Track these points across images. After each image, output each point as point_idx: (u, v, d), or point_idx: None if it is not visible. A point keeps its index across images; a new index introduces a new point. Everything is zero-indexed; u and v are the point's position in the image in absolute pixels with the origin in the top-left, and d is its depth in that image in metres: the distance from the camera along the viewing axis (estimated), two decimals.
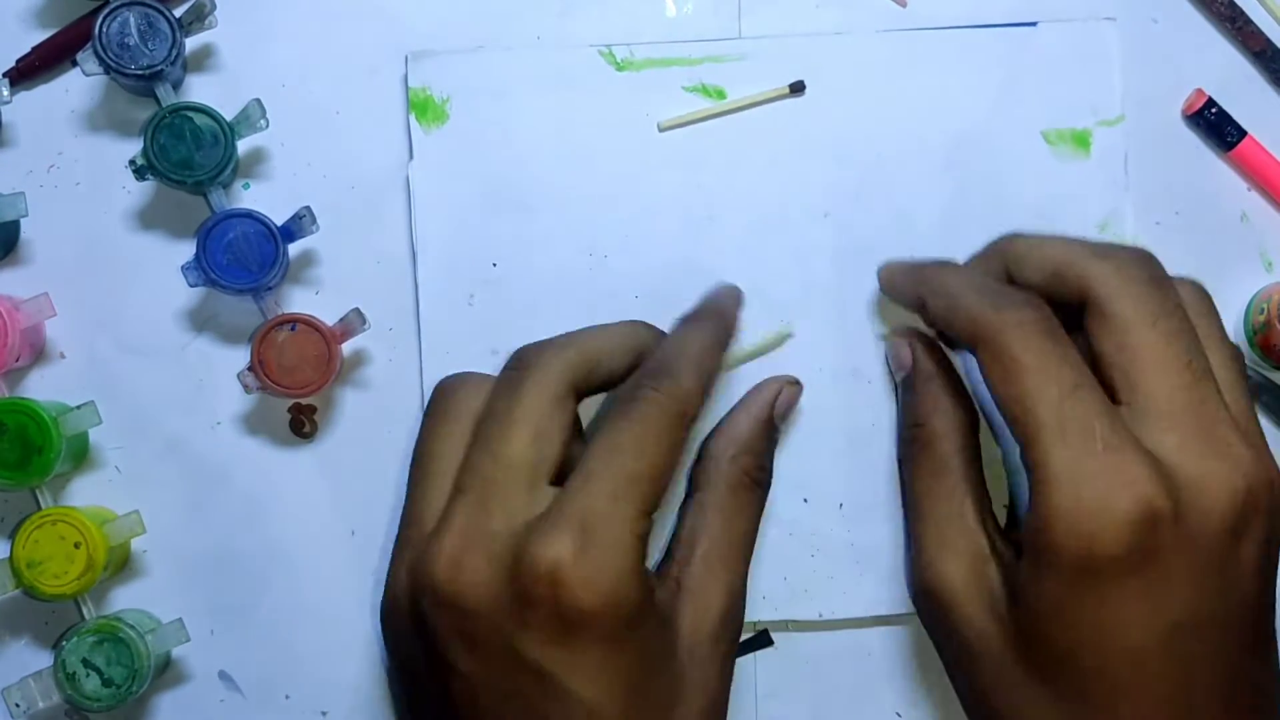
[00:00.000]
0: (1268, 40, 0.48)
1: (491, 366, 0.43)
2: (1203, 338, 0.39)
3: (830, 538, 0.46)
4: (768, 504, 0.46)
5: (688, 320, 0.44)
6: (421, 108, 0.47)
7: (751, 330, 0.47)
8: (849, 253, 0.47)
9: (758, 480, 0.44)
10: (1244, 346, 0.47)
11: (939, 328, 0.43)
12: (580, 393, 0.41)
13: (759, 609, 0.46)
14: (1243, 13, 0.48)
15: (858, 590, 0.46)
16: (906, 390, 0.45)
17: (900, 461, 0.46)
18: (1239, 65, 0.49)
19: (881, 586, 0.46)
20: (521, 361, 0.41)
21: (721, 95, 0.47)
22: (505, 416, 0.40)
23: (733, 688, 0.46)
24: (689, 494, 0.44)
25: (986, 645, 0.40)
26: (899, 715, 0.47)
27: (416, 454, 0.42)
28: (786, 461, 0.46)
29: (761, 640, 0.47)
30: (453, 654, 0.38)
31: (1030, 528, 0.38)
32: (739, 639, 0.43)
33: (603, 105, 0.47)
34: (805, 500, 0.46)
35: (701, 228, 0.47)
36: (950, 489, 0.42)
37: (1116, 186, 0.47)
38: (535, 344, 0.42)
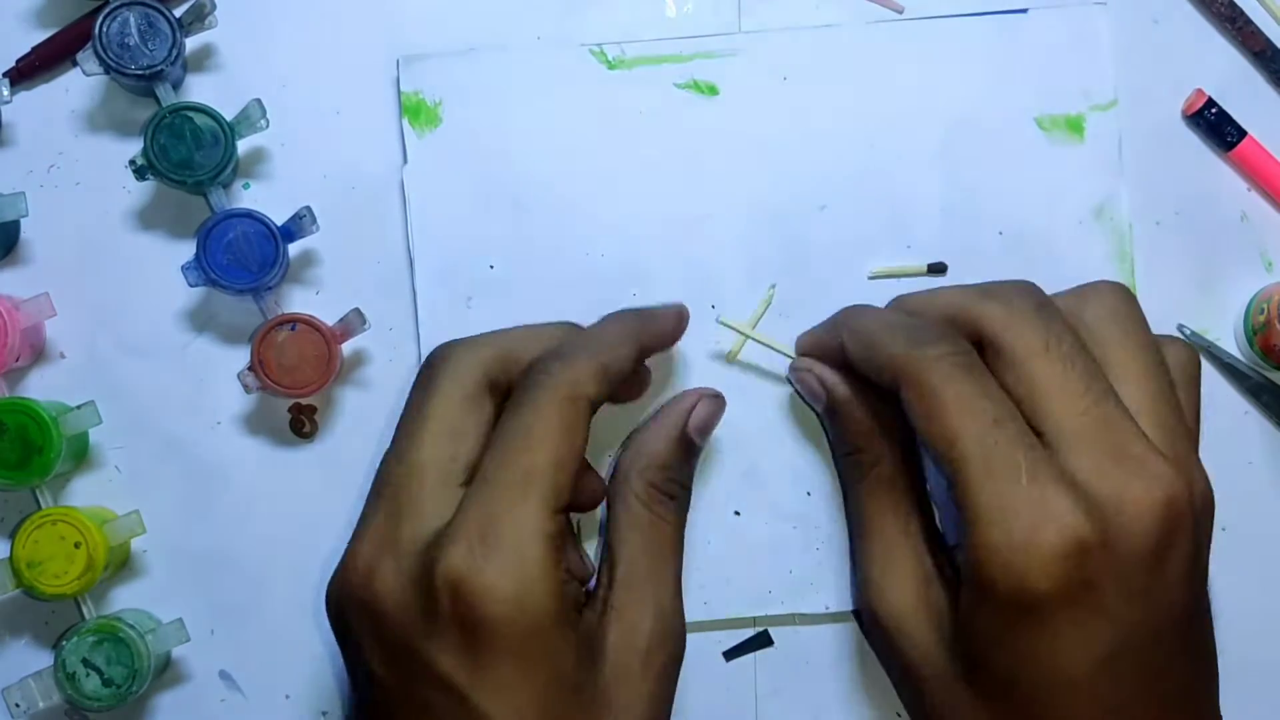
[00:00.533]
0: (1268, 40, 0.48)
1: None
2: (1117, 346, 0.39)
3: (835, 531, 0.46)
4: (772, 498, 0.46)
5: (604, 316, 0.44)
6: (414, 111, 0.47)
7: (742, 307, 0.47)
8: (846, 245, 0.47)
9: (669, 493, 0.43)
10: (1244, 346, 0.47)
11: (860, 370, 0.42)
12: (499, 390, 0.41)
13: (765, 604, 0.46)
14: (1243, 13, 0.48)
15: None
16: (831, 418, 0.45)
17: (843, 485, 0.46)
18: (1239, 65, 0.49)
19: None
20: (432, 360, 0.41)
21: (714, 91, 0.47)
22: (414, 418, 0.40)
23: (733, 688, 0.47)
24: (607, 509, 0.44)
25: (932, 667, 0.40)
26: (899, 715, 0.47)
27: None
28: (788, 456, 0.46)
29: (761, 640, 0.47)
30: (371, 660, 0.38)
31: (964, 562, 0.38)
32: (677, 659, 0.42)
33: (596, 104, 0.47)
34: (809, 494, 0.46)
35: (698, 224, 0.47)
36: (893, 509, 0.42)
37: (1111, 171, 0.47)
38: (449, 342, 0.42)
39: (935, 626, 0.40)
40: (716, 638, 0.47)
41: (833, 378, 0.43)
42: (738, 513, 0.46)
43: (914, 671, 0.41)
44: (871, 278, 0.47)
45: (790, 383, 0.46)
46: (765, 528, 0.46)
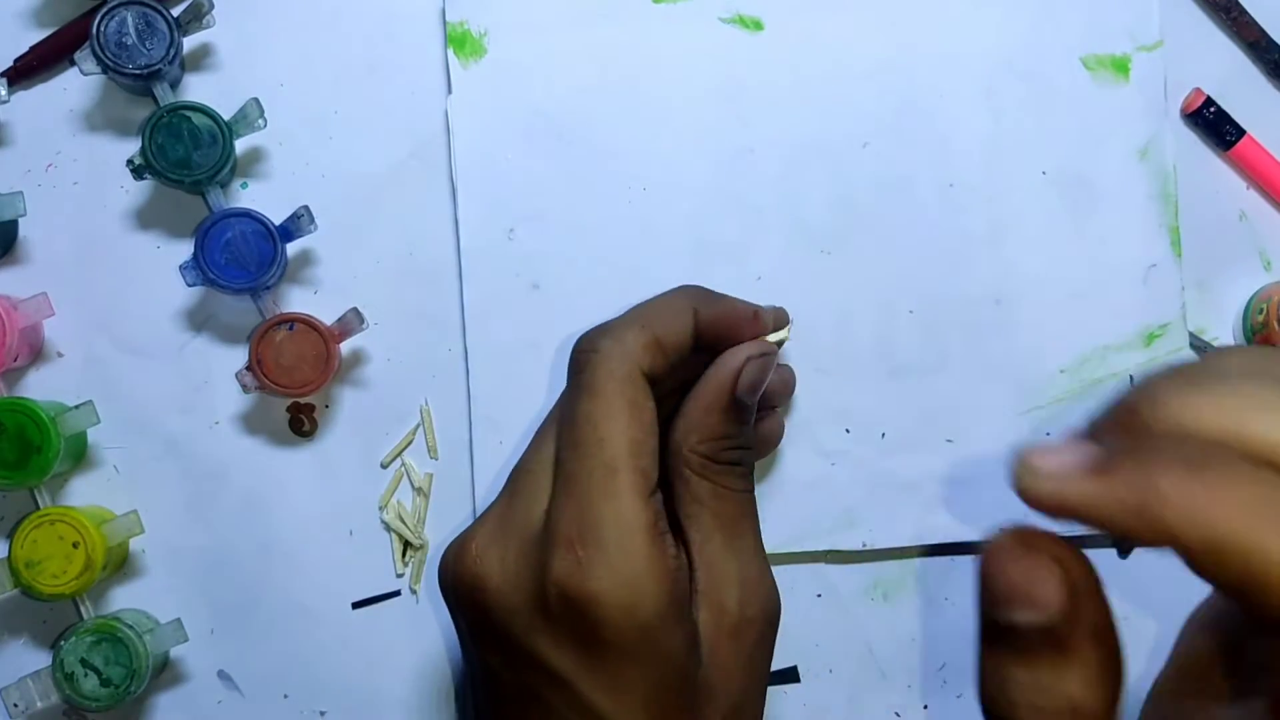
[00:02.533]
0: (1262, 31, 0.48)
1: (532, 301, 0.45)
2: None
3: (872, 467, 0.46)
4: (811, 435, 0.46)
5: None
6: (459, 42, 0.47)
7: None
8: (889, 182, 0.47)
9: (730, 460, 0.40)
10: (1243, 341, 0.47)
11: (1187, 558, 0.25)
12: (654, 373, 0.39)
13: (803, 539, 0.46)
14: (1237, 3, 0.48)
15: (901, 519, 0.46)
16: (1027, 648, 0.27)
17: None
18: (1237, 64, 0.49)
19: (925, 515, 0.46)
20: (580, 356, 0.39)
21: (759, 26, 0.47)
22: (549, 417, 0.40)
23: None
24: (673, 482, 0.41)
25: None
26: (898, 715, 0.47)
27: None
28: (826, 392, 0.47)
29: (788, 676, 0.47)
30: (480, 648, 0.38)
31: None
32: (770, 624, 0.39)
33: (640, 38, 0.47)
34: (847, 430, 0.47)
35: (740, 159, 0.47)
36: None
37: (1157, 112, 0.47)
38: (594, 333, 0.40)
39: None
40: None
41: (1081, 583, 0.28)
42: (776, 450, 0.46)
43: None
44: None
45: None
46: (804, 465, 0.46)
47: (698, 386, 0.40)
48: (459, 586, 0.38)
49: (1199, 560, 0.24)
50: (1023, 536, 0.28)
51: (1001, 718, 0.27)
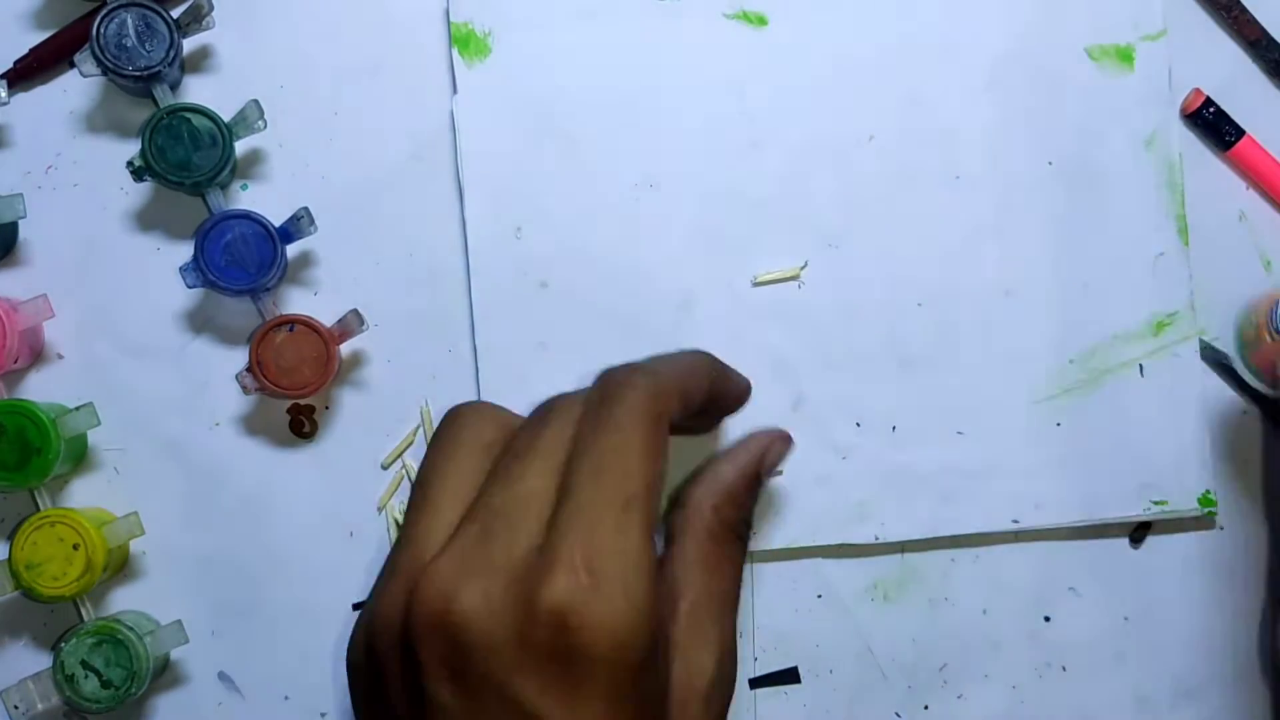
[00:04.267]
0: (1263, 30, 0.48)
1: (538, 300, 0.45)
2: None
3: (883, 461, 0.46)
4: (821, 429, 0.46)
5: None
6: (464, 42, 0.47)
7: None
8: (895, 175, 0.47)
9: (740, 535, 0.41)
10: (1237, 361, 0.47)
11: None
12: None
13: (815, 534, 0.46)
14: (1238, 2, 0.48)
15: (913, 512, 0.46)
16: None
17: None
18: (1237, 64, 0.49)
19: (937, 507, 0.46)
20: (552, 404, 0.39)
21: (763, 21, 0.47)
22: (525, 451, 0.38)
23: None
24: (666, 537, 0.41)
25: None
26: (898, 715, 0.47)
27: (420, 478, 0.39)
28: (836, 386, 0.47)
29: (788, 676, 0.47)
30: (436, 688, 0.35)
31: None
32: (728, 704, 0.40)
33: (645, 34, 0.47)
34: (858, 424, 0.47)
35: (746, 154, 0.47)
36: None
37: (1161, 100, 0.47)
38: (628, 366, 0.39)
39: None
40: (743, 659, 0.47)
41: None
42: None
43: None
44: (756, 284, 0.47)
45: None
46: (814, 459, 0.46)
47: (730, 453, 0.42)
48: (422, 623, 0.35)
49: None
50: None
51: None
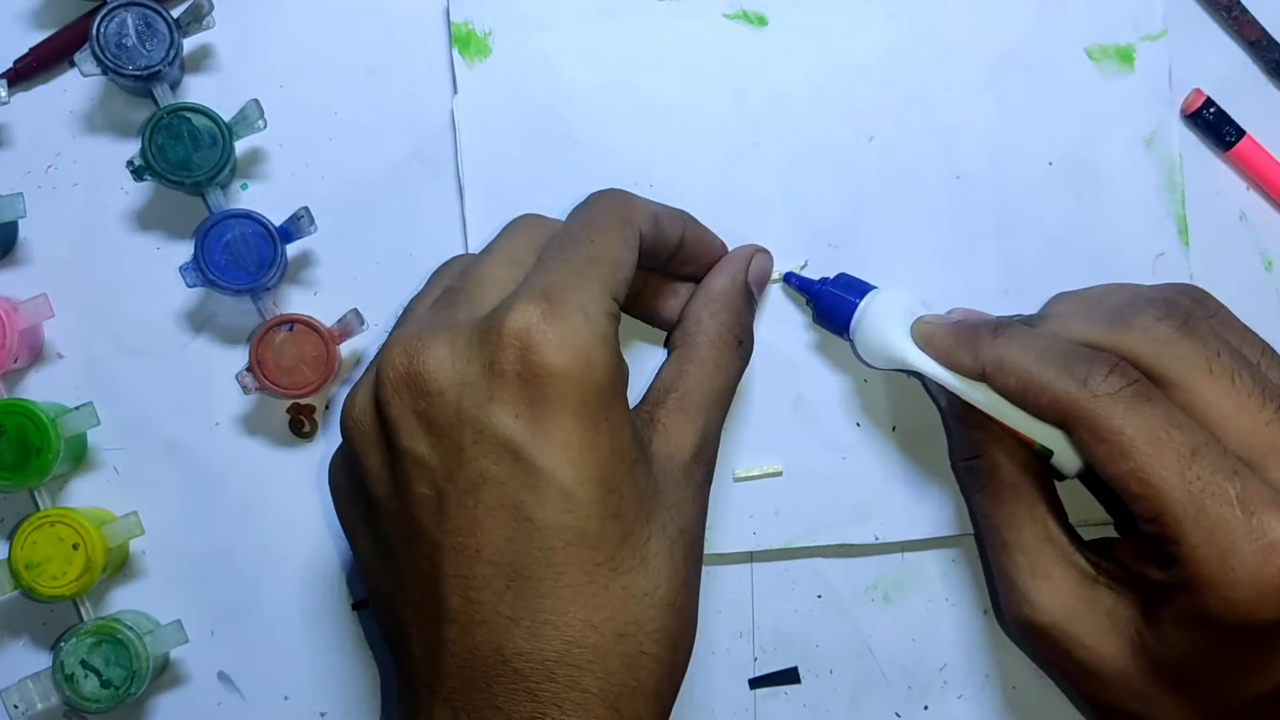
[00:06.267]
0: (1263, 30, 0.48)
1: None
2: (1249, 349, 0.38)
3: (884, 461, 0.47)
4: (821, 429, 0.46)
5: None
6: (464, 42, 0.47)
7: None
8: (895, 176, 0.47)
9: (739, 338, 0.43)
10: None
11: (1011, 401, 0.40)
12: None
13: (814, 534, 0.46)
14: (1239, 2, 0.48)
15: (913, 512, 0.46)
16: (954, 419, 0.44)
17: (965, 494, 0.45)
18: (1237, 64, 0.49)
19: (936, 508, 0.46)
20: (593, 195, 0.43)
21: (763, 22, 0.47)
22: (484, 250, 0.41)
23: (732, 685, 0.47)
24: (669, 354, 0.43)
25: (1109, 665, 0.39)
26: (898, 715, 0.47)
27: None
28: (837, 386, 0.47)
29: (788, 677, 0.47)
30: (412, 443, 0.36)
31: (1176, 588, 0.36)
32: (710, 478, 0.41)
33: (645, 35, 0.47)
34: (858, 424, 0.47)
35: (746, 155, 0.47)
36: (1028, 515, 0.41)
37: (1161, 101, 0.47)
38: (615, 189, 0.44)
39: (1106, 627, 0.39)
40: (743, 659, 0.47)
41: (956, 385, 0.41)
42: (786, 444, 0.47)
43: (1085, 672, 0.39)
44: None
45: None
46: (814, 459, 0.46)
47: (717, 268, 0.44)
48: (393, 384, 0.37)
49: (1008, 393, 0.39)
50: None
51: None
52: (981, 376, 0.40)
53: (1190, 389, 0.37)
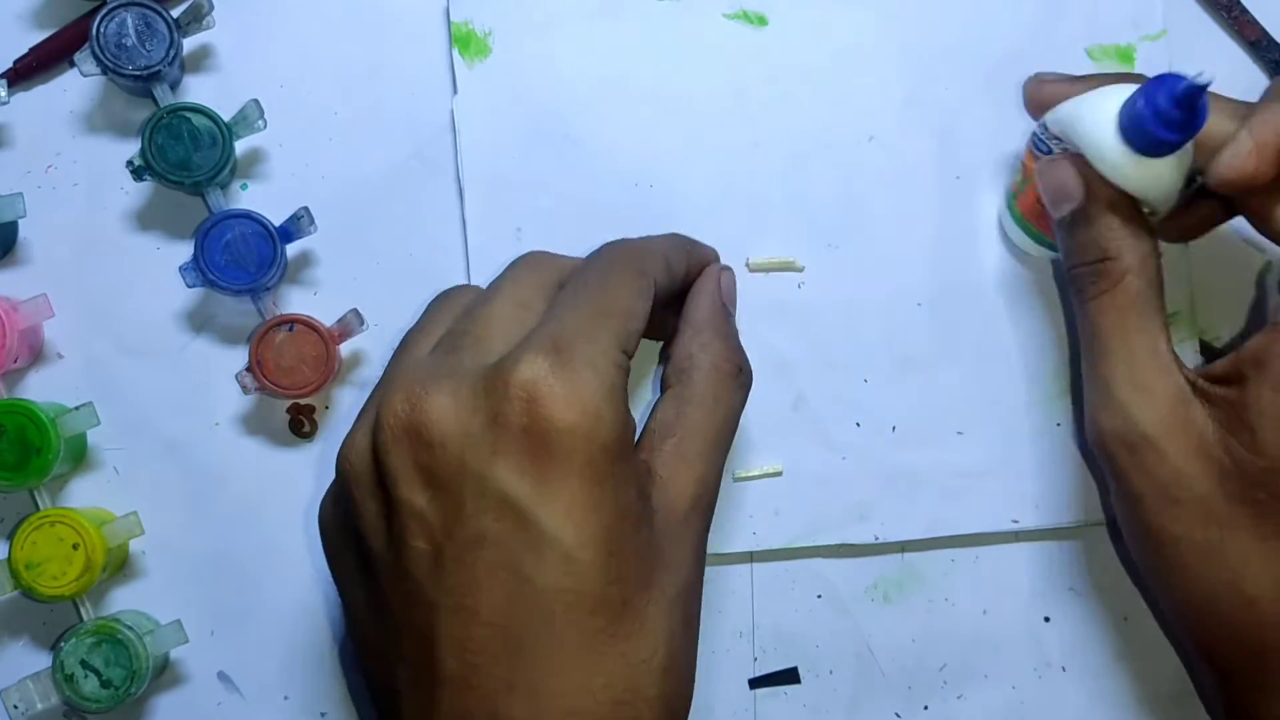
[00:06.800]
0: (1263, 30, 0.48)
1: None
2: None
3: (883, 461, 0.47)
4: (821, 429, 0.46)
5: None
6: (464, 42, 0.47)
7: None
8: (895, 175, 0.47)
9: (737, 365, 0.41)
10: (1011, 226, 0.46)
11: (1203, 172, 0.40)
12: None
13: (814, 534, 0.46)
14: (1239, 2, 0.48)
15: (913, 512, 0.46)
16: (1078, 223, 0.41)
17: (1077, 299, 0.42)
18: (1237, 65, 0.49)
19: (936, 508, 0.46)
20: (606, 245, 0.42)
21: (763, 21, 0.47)
22: (492, 289, 0.40)
23: (732, 685, 0.47)
24: (662, 392, 0.42)
25: (1192, 488, 0.39)
26: (898, 715, 0.47)
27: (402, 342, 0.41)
28: (835, 386, 0.47)
29: (788, 677, 0.47)
30: (410, 494, 0.35)
31: (1256, 352, 0.38)
32: (709, 525, 0.40)
33: (645, 34, 0.47)
34: (858, 424, 0.47)
35: (746, 154, 0.47)
36: (1143, 326, 0.40)
37: None
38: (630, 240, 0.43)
39: (1196, 446, 0.39)
40: (743, 659, 0.47)
41: (1097, 178, 0.40)
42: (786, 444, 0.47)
43: (1168, 494, 0.40)
44: (752, 270, 0.47)
45: (1035, 154, 0.43)
46: (814, 459, 0.46)
47: (690, 300, 0.43)
48: (393, 433, 0.35)
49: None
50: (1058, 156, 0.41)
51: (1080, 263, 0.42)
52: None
53: None
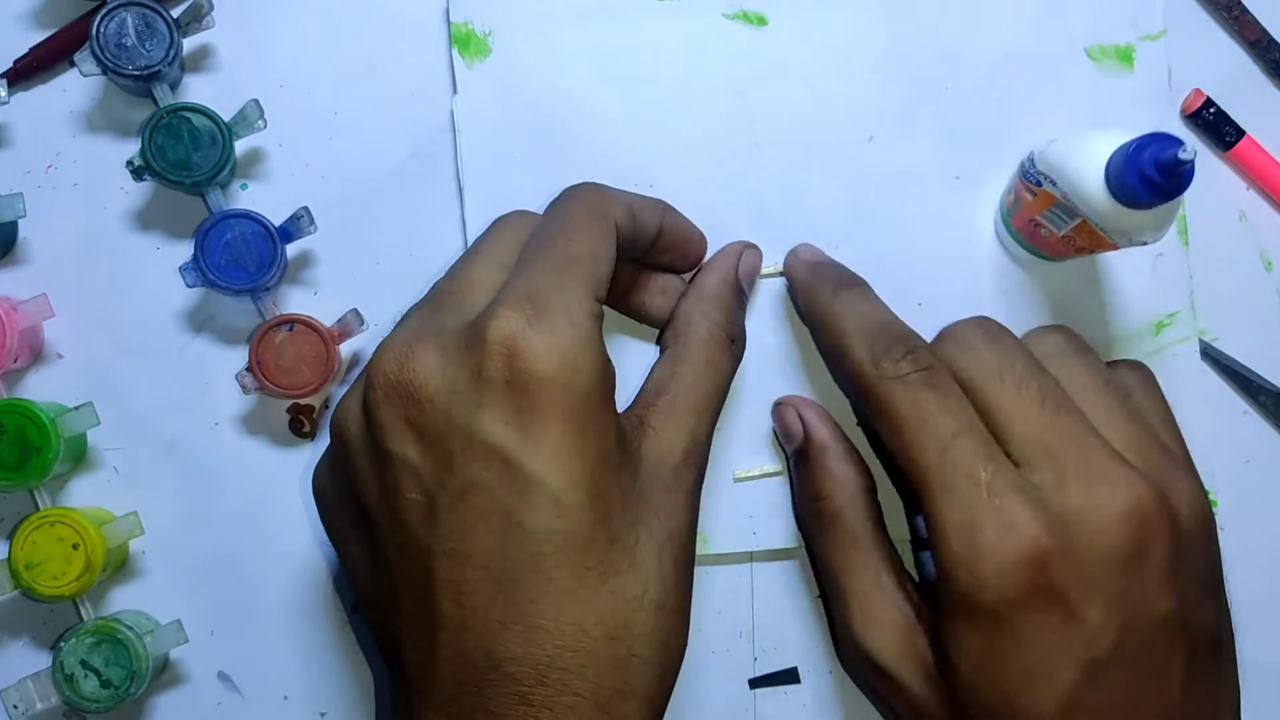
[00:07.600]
0: (1263, 30, 0.48)
1: None
2: (1068, 370, 0.41)
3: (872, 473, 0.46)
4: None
5: None
6: (464, 42, 0.47)
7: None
8: (895, 176, 0.47)
9: (731, 336, 0.43)
10: (1008, 241, 0.47)
11: (823, 357, 0.45)
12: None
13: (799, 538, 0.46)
14: (1239, 2, 0.48)
15: (911, 512, 0.46)
16: (800, 463, 0.44)
17: (805, 537, 0.46)
18: (1237, 64, 0.49)
19: None
20: (568, 189, 0.43)
21: (763, 21, 0.47)
22: (470, 251, 0.41)
23: (732, 685, 0.47)
24: (661, 353, 0.44)
25: (934, 714, 0.40)
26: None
27: None
28: (836, 388, 0.46)
29: (788, 677, 0.47)
30: (402, 448, 0.37)
31: (937, 580, 0.38)
32: (701, 481, 0.42)
33: (645, 34, 0.47)
34: (858, 424, 0.46)
35: (746, 155, 0.47)
36: (864, 561, 0.42)
37: (1161, 100, 0.47)
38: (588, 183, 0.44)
39: (923, 674, 0.40)
40: (743, 659, 0.47)
41: (816, 422, 0.44)
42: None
43: (914, 715, 0.41)
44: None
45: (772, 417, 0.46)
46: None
47: (707, 265, 0.45)
48: (384, 392, 0.37)
49: (824, 350, 0.45)
50: (789, 402, 0.45)
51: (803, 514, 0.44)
52: (810, 321, 0.45)
53: (980, 390, 0.40)
